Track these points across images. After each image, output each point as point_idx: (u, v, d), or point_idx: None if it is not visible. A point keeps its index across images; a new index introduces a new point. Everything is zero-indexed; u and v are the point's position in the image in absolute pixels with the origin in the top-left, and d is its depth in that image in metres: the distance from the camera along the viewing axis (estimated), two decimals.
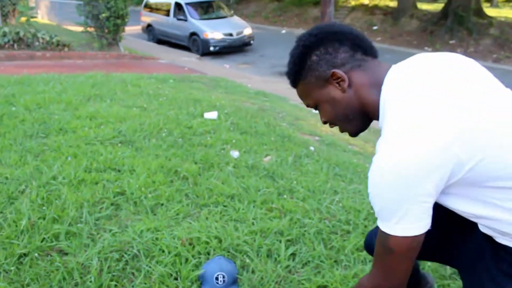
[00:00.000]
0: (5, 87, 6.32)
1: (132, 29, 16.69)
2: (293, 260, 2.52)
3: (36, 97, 5.67)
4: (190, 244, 2.55)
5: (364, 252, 2.53)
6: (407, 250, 1.07)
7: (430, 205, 1.03)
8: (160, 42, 15.99)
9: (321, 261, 2.52)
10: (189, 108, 5.60)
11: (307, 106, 1.34)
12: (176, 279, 2.28)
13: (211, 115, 5.19)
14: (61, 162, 3.66)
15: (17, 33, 11.22)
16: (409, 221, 1.04)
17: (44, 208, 2.91)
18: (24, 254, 2.44)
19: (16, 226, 2.69)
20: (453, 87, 1.06)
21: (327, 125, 1.35)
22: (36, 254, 2.44)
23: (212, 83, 8.44)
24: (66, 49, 11.72)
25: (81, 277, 2.25)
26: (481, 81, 1.13)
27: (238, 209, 2.99)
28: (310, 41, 1.23)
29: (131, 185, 3.25)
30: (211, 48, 13.58)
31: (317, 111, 1.33)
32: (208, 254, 2.49)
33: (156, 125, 4.71)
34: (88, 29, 12.61)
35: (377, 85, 1.17)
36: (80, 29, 13.12)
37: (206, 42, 13.51)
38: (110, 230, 2.71)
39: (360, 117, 1.26)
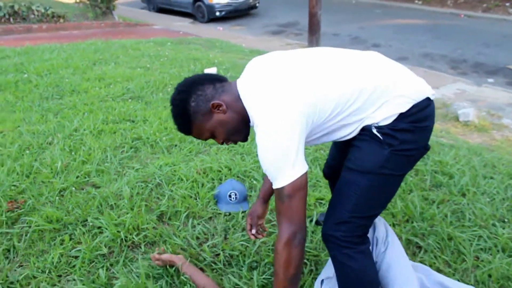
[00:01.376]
0: (11, 57, 6.62)
1: None
2: None
3: (45, 64, 5.99)
4: (204, 173, 2.96)
5: None
6: (299, 188, 1.39)
7: (302, 153, 1.39)
8: (161, 10, 15.22)
9: (317, 181, 2.94)
10: (190, 66, 5.94)
11: (205, 139, 1.61)
12: (195, 199, 2.70)
13: (211, 70, 5.53)
14: (79, 118, 4.04)
15: (12, 6, 11.37)
16: (292, 169, 1.37)
17: (73, 153, 3.31)
18: (63, 189, 2.86)
19: (52, 168, 3.09)
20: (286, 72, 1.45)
21: (224, 144, 1.66)
22: (73, 188, 2.85)
23: (208, 44, 8.71)
24: (61, 20, 11.88)
25: (115, 202, 2.67)
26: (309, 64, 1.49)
27: (243, 145, 3.38)
28: (181, 96, 1.51)
29: (146, 131, 3.65)
30: (217, 14, 12.99)
31: (213, 140, 1.65)
32: (221, 179, 2.90)
33: (161, 82, 5.06)
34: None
35: (237, 99, 1.50)
36: (72, 0, 13.24)
37: (211, 8, 12.92)
38: (133, 167, 3.12)
39: (244, 125, 1.54)
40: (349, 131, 1.49)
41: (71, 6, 13.39)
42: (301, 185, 1.39)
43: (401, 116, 1.42)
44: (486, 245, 2.35)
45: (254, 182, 2.88)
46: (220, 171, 2.97)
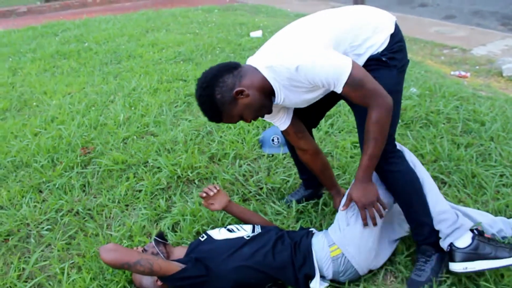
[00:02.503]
0: (72, 29, 7.13)
1: None
2: (332, 127, 3.17)
3: (102, 34, 6.44)
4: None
5: None
6: (361, 69, 1.60)
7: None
8: None
9: (353, 127, 3.16)
10: (236, 30, 6.20)
11: (236, 122, 1.77)
12: (242, 143, 3.01)
13: (257, 33, 5.77)
14: (136, 79, 4.43)
15: None
16: (344, 60, 1.57)
17: (132, 108, 3.70)
18: (126, 137, 3.24)
19: (115, 121, 3.49)
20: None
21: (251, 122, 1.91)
22: (134, 137, 3.24)
23: (254, 9, 8.91)
24: None
25: (171, 147, 3.03)
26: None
27: None
28: (206, 92, 1.65)
29: None
30: None
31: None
32: (264, 127, 3.19)
33: (209, 45, 5.37)
34: None
35: (255, 73, 1.67)
36: None
37: None
38: (186, 119, 3.46)
39: (267, 100, 1.72)
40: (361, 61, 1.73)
41: None
42: (359, 66, 1.60)
43: (392, 36, 1.68)
44: (508, 181, 2.52)
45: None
46: (264, 121, 3.25)
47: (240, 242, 1.88)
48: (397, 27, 1.75)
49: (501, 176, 2.58)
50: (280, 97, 1.73)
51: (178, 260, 1.81)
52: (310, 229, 2.02)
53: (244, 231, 1.98)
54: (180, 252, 1.99)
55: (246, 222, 2.14)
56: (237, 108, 1.68)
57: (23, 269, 2.14)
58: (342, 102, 2.57)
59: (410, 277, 1.85)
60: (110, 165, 2.87)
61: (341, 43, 1.67)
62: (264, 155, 2.88)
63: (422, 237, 1.85)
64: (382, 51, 1.68)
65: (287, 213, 2.33)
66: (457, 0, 9.04)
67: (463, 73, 5.27)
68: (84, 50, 5.74)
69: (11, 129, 3.54)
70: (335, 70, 1.56)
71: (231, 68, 1.69)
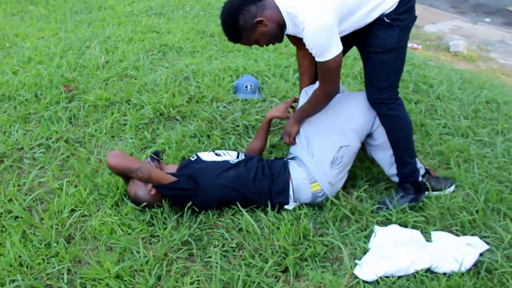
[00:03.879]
0: None
1: None
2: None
3: None
4: (224, 70, 3.52)
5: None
6: (338, 64, 1.89)
7: (338, 36, 1.84)
8: None
9: None
10: None
11: (251, 45, 2.06)
12: (218, 88, 3.27)
13: None
14: (110, 28, 4.54)
15: None
16: (334, 47, 1.84)
17: (110, 54, 3.86)
18: (107, 79, 3.42)
19: (94, 64, 3.64)
20: None
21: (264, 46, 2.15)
22: (115, 78, 3.42)
23: None
24: None
25: (152, 87, 3.25)
26: None
27: (255, 52, 3.93)
28: (232, 17, 1.90)
29: (171, 40, 4.18)
30: None
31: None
32: (237, 76, 3.47)
33: (180, 2, 5.52)
34: None
35: (276, 10, 1.90)
36: None
37: None
38: (163, 66, 3.68)
39: (281, 32, 1.98)
40: (369, 21, 1.98)
41: None
42: (339, 61, 1.91)
43: (400, 2, 1.92)
44: (449, 131, 2.96)
45: (266, 78, 3.45)
46: (237, 70, 3.53)
47: (226, 166, 2.16)
48: None
49: (444, 127, 3.01)
50: (290, 31, 2.00)
51: (172, 174, 2.09)
52: (285, 160, 2.33)
53: (230, 156, 2.27)
54: (172, 168, 2.26)
55: (257, 139, 2.47)
56: (255, 34, 1.95)
57: (23, 184, 2.35)
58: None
59: (384, 200, 2.23)
60: (95, 101, 3.07)
61: (352, 6, 1.92)
62: (238, 100, 3.16)
63: (403, 175, 2.22)
64: (388, 13, 1.93)
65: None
66: None
67: (415, 46, 5.74)
68: None
69: None
70: (323, 49, 1.85)
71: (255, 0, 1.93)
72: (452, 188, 2.35)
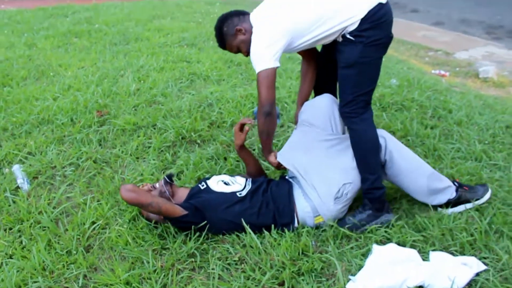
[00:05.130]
0: (82, 12, 7.54)
1: None
2: None
3: (111, 17, 6.87)
4: (246, 97, 3.70)
5: None
6: (267, 78, 2.08)
7: (276, 55, 2.08)
8: None
9: None
10: None
11: (235, 53, 2.34)
12: (238, 114, 3.46)
13: None
14: (144, 58, 4.86)
15: None
16: (266, 62, 2.07)
17: (141, 82, 4.14)
18: (137, 105, 3.68)
19: (126, 91, 3.92)
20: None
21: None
22: (144, 104, 3.67)
23: (254, 5, 9.26)
24: None
25: (177, 113, 3.47)
26: None
27: (278, 81, 4.10)
28: (219, 24, 2.27)
29: (199, 68, 4.43)
30: None
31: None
32: None
33: (211, 33, 5.76)
34: None
35: (251, 27, 2.20)
36: None
37: None
38: (190, 93, 3.91)
39: None
40: (332, 38, 2.16)
41: None
42: (269, 76, 2.10)
43: (362, 20, 2.06)
44: (462, 155, 2.99)
45: (285, 105, 3.61)
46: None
47: (233, 199, 2.24)
48: (374, 9, 2.05)
49: (457, 151, 3.05)
50: None
51: (182, 205, 2.19)
52: (290, 183, 2.38)
53: (239, 184, 2.35)
54: (183, 192, 2.39)
55: (248, 166, 2.59)
56: (236, 41, 2.27)
57: (53, 198, 2.58)
58: None
59: (343, 218, 2.29)
60: (123, 125, 3.31)
61: (312, 21, 2.11)
62: (256, 125, 3.31)
63: (363, 190, 2.28)
64: (351, 31, 2.09)
65: (274, 169, 2.78)
66: (447, 8, 9.55)
67: (442, 72, 5.76)
68: (95, 30, 6.16)
69: (33, 93, 3.96)
70: (255, 60, 2.13)
71: (240, 14, 2.30)
72: (489, 193, 2.42)
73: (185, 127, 3.21)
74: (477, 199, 2.37)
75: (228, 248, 2.13)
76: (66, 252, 2.14)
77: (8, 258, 2.14)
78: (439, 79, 5.18)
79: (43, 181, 2.76)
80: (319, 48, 2.49)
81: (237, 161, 2.87)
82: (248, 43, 2.22)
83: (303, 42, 2.17)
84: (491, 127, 3.40)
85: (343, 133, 2.49)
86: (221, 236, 2.23)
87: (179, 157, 2.96)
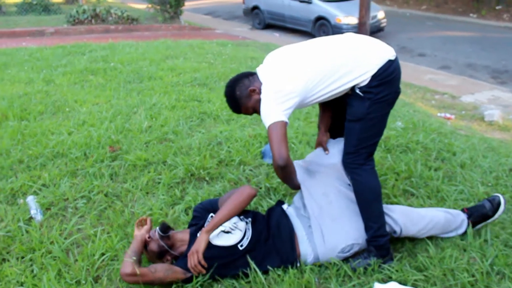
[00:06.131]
0: (98, 51, 7.81)
1: (190, 4, 18.05)
2: None
3: (126, 56, 7.11)
4: (254, 136, 3.82)
5: None
6: (276, 132, 2.08)
7: (285, 112, 2.10)
8: (268, 26, 13.66)
9: None
10: (247, 62, 6.87)
11: (251, 114, 2.37)
12: (246, 153, 3.56)
13: None
14: (157, 96, 5.03)
15: (94, 9, 12.84)
16: (273, 117, 2.09)
17: (153, 119, 4.28)
18: (148, 141, 3.80)
19: (138, 128, 4.06)
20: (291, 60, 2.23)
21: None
22: (155, 141, 3.80)
23: (264, 47, 9.63)
24: (135, 22, 13.23)
25: (187, 151, 3.58)
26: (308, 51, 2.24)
27: None
28: (230, 89, 2.31)
29: (210, 108, 4.57)
30: None
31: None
32: (266, 142, 3.74)
33: (222, 73, 6.01)
34: (152, 5, 14.10)
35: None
36: (142, 6, 14.65)
37: (338, 28, 10.88)
38: (200, 131, 4.03)
39: None
40: (342, 92, 2.23)
41: (143, 11, 14.81)
42: (278, 130, 2.10)
43: (373, 77, 2.14)
44: (465, 196, 3.05)
45: (292, 145, 3.71)
46: (266, 136, 3.80)
47: (235, 253, 2.25)
48: (384, 66, 2.13)
49: (460, 193, 3.11)
50: None
51: (184, 266, 2.19)
52: (291, 227, 2.40)
53: (239, 231, 2.34)
54: (182, 236, 2.37)
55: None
56: (251, 102, 2.29)
57: (65, 229, 2.66)
58: None
59: (348, 262, 2.32)
60: (135, 161, 3.42)
61: (322, 80, 2.16)
62: (264, 164, 3.42)
63: (367, 238, 2.33)
64: (361, 86, 2.16)
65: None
66: (454, 53, 9.77)
67: (448, 115, 5.87)
68: (110, 69, 6.38)
69: (49, 128, 4.10)
70: (263, 115, 2.16)
71: (248, 74, 2.35)
72: (503, 205, 2.56)
73: (194, 164, 3.31)
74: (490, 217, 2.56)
75: (233, 283, 2.18)
76: (76, 282, 2.20)
77: (19, 286, 2.21)
78: (444, 122, 5.29)
79: (56, 213, 2.85)
80: None
81: None
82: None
83: (314, 100, 2.22)
84: (495, 169, 3.47)
85: None
86: None
87: (187, 193, 3.04)
